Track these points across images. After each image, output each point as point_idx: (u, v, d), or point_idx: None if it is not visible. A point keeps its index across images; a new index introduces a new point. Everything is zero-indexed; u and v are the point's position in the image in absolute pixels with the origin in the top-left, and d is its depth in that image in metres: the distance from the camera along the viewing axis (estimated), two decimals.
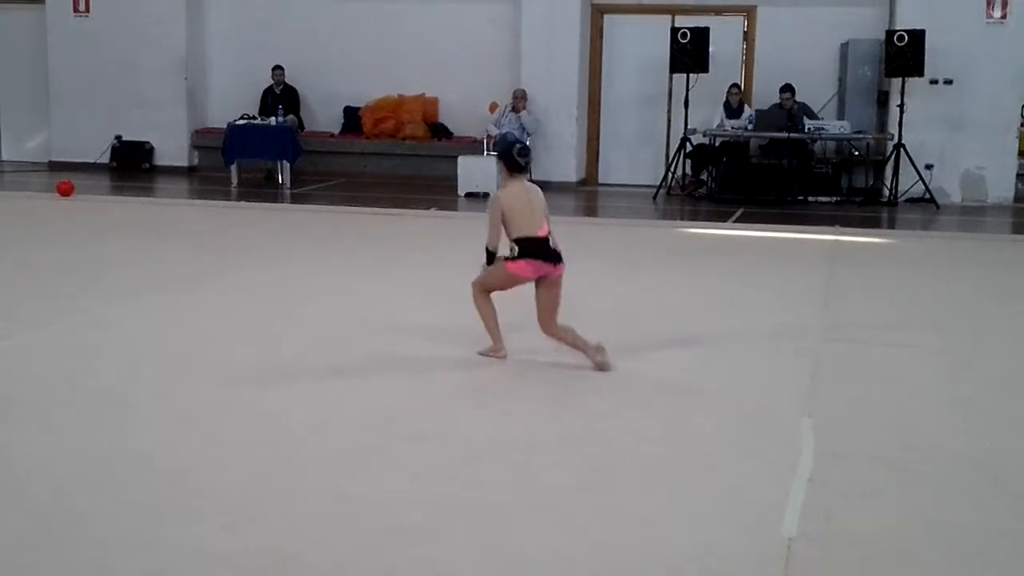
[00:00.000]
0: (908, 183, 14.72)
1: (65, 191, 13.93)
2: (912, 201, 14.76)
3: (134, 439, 5.07)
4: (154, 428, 5.25)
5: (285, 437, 5.15)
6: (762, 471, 4.80)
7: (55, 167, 17.32)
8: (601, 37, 16.62)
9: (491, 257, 6.50)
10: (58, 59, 17.51)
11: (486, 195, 14.59)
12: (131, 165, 17.36)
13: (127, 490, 4.44)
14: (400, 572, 3.78)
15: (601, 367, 6.35)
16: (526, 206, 6.45)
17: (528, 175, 6.86)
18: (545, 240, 6.46)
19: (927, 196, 14.60)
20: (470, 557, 3.89)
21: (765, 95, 15.72)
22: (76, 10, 17.41)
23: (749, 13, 16.18)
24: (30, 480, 4.55)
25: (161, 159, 17.49)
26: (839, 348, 7.08)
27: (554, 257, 6.45)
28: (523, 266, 6.42)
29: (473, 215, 13.20)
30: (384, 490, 4.49)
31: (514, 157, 6.50)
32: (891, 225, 13.56)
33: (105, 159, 17.48)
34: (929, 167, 14.84)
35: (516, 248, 6.41)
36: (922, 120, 14.76)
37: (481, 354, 6.61)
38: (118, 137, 17.47)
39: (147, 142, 17.47)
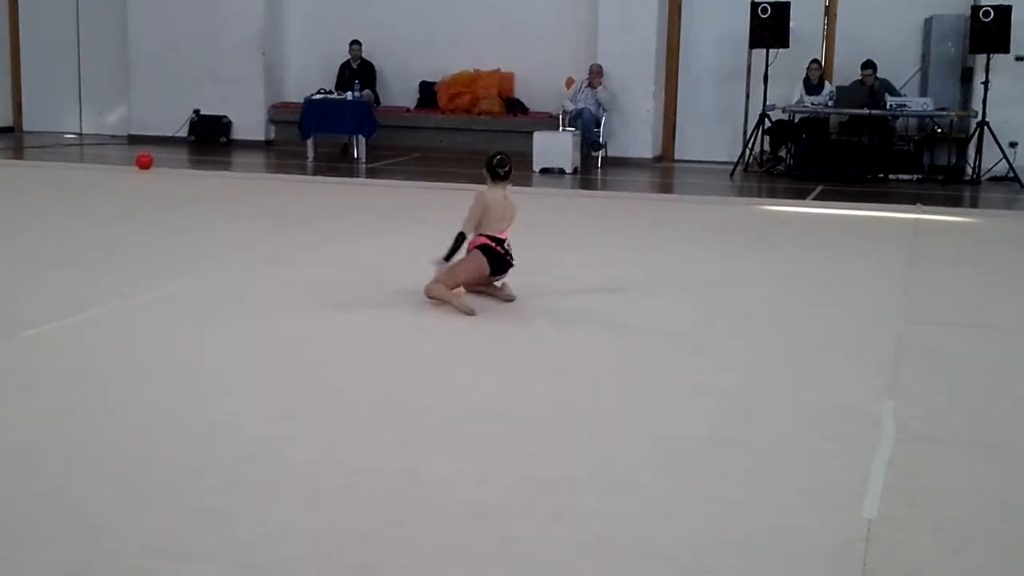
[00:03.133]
0: (992, 161, 14.43)
1: (144, 164, 14.07)
2: (995, 180, 14.50)
3: (212, 411, 5.10)
4: (231, 400, 5.27)
5: (358, 413, 5.15)
6: (842, 454, 4.73)
7: (134, 140, 17.51)
8: (679, 12, 16.46)
9: (458, 244, 7.10)
10: (138, 34, 17.68)
11: (561, 171, 14.60)
12: (209, 139, 17.50)
13: (203, 462, 4.46)
14: (478, 551, 3.76)
15: (468, 310, 6.89)
16: (499, 211, 7.23)
17: (508, 183, 7.40)
18: (501, 241, 7.23)
19: (1011, 175, 14.33)
20: (548, 538, 3.86)
21: (846, 71, 15.48)
22: None
23: None
24: (111, 449, 4.59)
25: (238, 133, 17.62)
26: (921, 329, 6.95)
27: (502, 266, 7.25)
28: (481, 246, 7.17)
29: (548, 191, 13.20)
30: (458, 469, 4.47)
31: (494, 168, 7.26)
32: (974, 204, 13.32)
33: (183, 133, 17.64)
34: (1013, 145, 14.56)
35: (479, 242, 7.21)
36: (1007, 97, 14.47)
37: (466, 312, 6.90)
38: (196, 111, 17.62)
39: (225, 116, 17.60)
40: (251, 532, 3.84)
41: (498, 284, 7.32)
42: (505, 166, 7.32)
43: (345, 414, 5.13)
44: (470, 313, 6.87)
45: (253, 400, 5.30)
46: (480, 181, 7.52)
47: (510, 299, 7.24)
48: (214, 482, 4.26)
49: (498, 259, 7.25)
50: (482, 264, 7.21)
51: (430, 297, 7.12)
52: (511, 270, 7.36)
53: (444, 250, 7.14)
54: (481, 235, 7.24)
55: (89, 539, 3.78)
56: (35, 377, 5.55)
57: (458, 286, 7.18)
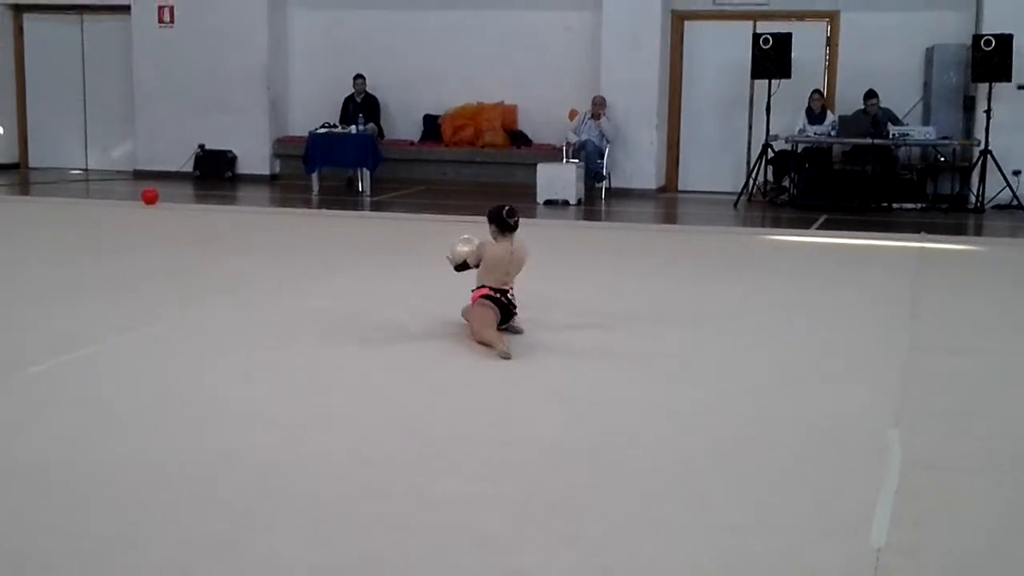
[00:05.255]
0: (995, 189, 14.45)
1: (150, 199, 14.11)
2: (999, 208, 14.51)
3: (217, 440, 5.10)
4: (236, 429, 5.27)
5: (363, 440, 5.15)
6: (849, 482, 4.72)
7: (140, 175, 17.58)
8: (682, 43, 16.53)
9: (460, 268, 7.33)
10: (143, 69, 17.78)
11: (565, 203, 14.63)
12: (214, 174, 17.56)
13: (209, 491, 4.46)
14: None
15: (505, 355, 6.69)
16: (503, 267, 7.13)
17: (514, 231, 7.28)
18: (505, 291, 7.15)
19: (1015, 203, 14.35)
20: (555, 565, 3.85)
21: (848, 101, 15.53)
22: (161, 20, 17.65)
23: (832, 18, 16.01)
24: (117, 480, 4.59)
25: (243, 168, 17.68)
26: (927, 357, 6.95)
27: (506, 315, 7.13)
28: (484, 296, 7.10)
29: (552, 223, 13.23)
30: (465, 495, 4.47)
31: (504, 219, 7.14)
32: (978, 232, 13.33)
33: (188, 168, 17.70)
34: (1017, 173, 14.58)
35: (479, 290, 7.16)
36: (1009, 126, 14.49)
37: (504, 357, 6.66)
38: (201, 146, 17.69)
39: (229, 151, 17.67)
40: (258, 560, 3.83)
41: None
42: (515, 216, 7.19)
43: (351, 442, 5.13)
44: (506, 357, 6.62)
45: (258, 428, 5.29)
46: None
47: (518, 332, 7.18)
48: (220, 510, 4.26)
49: (501, 307, 7.13)
50: (489, 310, 7.05)
51: (478, 341, 6.92)
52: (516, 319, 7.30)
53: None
54: (484, 286, 7.17)
55: (95, 569, 3.77)
56: (42, 408, 5.56)
57: (487, 327, 6.98)
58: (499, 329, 7.05)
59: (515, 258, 7.19)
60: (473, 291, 7.21)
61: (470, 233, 7.55)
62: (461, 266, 7.37)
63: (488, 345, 6.81)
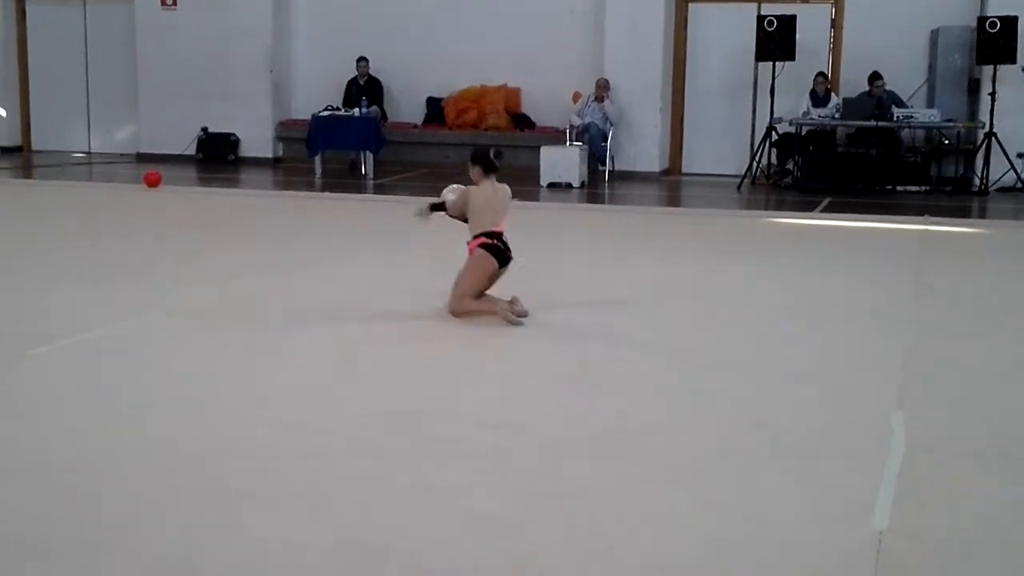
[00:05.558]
0: (999, 172, 14.45)
1: (153, 182, 14.11)
2: (1003, 191, 14.50)
3: (221, 426, 5.10)
4: (240, 415, 5.27)
5: (367, 426, 5.15)
6: (852, 466, 4.71)
7: (143, 159, 17.57)
8: (685, 26, 16.50)
9: (436, 209, 7.45)
10: (146, 52, 17.76)
11: (569, 185, 14.61)
12: (217, 157, 17.56)
13: (213, 477, 4.46)
14: (487, 564, 3.75)
15: (516, 320, 6.98)
16: (491, 206, 7.25)
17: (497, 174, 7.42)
18: (499, 234, 7.22)
19: (1019, 185, 14.34)
20: (558, 550, 3.85)
21: (852, 83, 15.51)
22: (164, 3, 17.64)
23: (836, 1, 15.96)
24: (119, 467, 4.59)
25: (246, 151, 17.68)
26: (930, 340, 6.94)
27: (503, 259, 7.21)
28: (481, 245, 7.17)
29: (556, 206, 13.22)
30: (468, 481, 4.46)
31: (491, 160, 7.28)
32: (982, 215, 13.32)
33: (191, 151, 17.69)
34: (1021, 155, 14.57)
35: (476, 240, 7.21)
36: (1014, 108, 14.47)
37: (513, 322, 6.98)
38: (204, 129, 17.68)
39: (232, 134, 17.66)
40: (262, 547, 3.83)
41: (509, 299, 7.23)
42: (501, 157, 7.37)
43: (354, 427, 5.12)
44: (518, 323, 6.97)
45: (261, 414, 5.29)
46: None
47: (523, 314, 7.17)
48: (224, 497, 4.26)
49: (498, 253, 7.21)
50: (487, 262, 7.18)
51: (459, 314, 7.10)
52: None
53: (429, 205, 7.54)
54: (477, 236, 7.23)
55: (98, 555, 3.77)
56: (44, 393, 5.56)
57: (475, 293, 7.17)
58: (498, 272, 7.21)
59: (500, 195, 7.33)
60: (469, 243, 7.27)
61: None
62: (437, 206, 7.49)
63: (471, 314, 7.05)
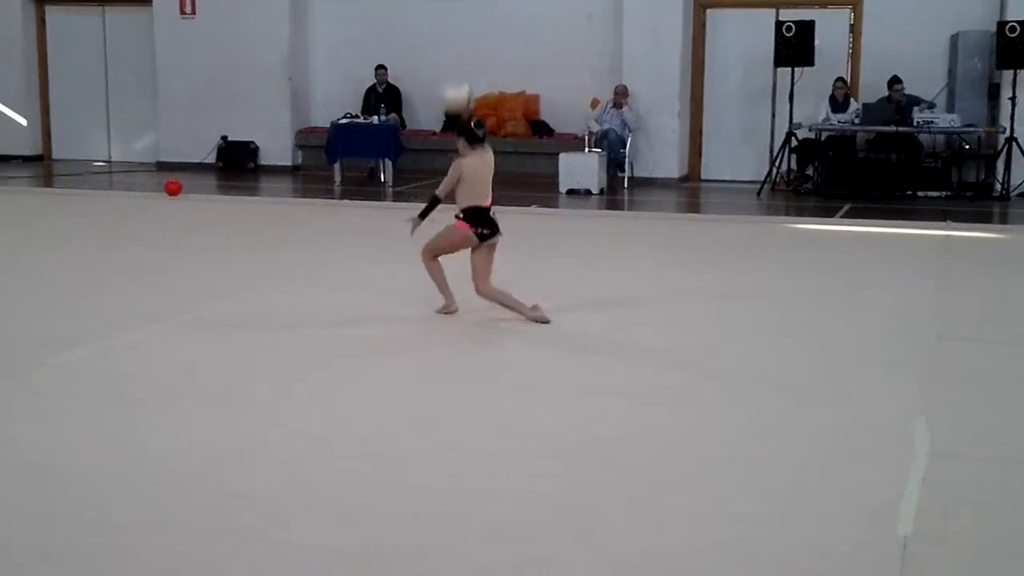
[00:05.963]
0: (1020, 177, 14.35)
1: (173, 191, 14.15)
2: None
3: (242, 433, 5.11)
4: (261, 422, 5.28)
5: (386, 434, 5.15)
6: (875, 471, 4.70)
7: (163, 167, 17.61)
8: (704, 31, 16.47)
9: (431, 206, 7.40)
10: (165, 61, 17.80)
11: (587, 192, 14.59)
12: (236, 165, 17.58)
13: (235, 483, 4.47)
14: (504, 570, 3.74)
15: (539, 320, 7.20)
16: (480, 177, 7.38)
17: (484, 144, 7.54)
18: (488, 209, 7.36)
19: None
20: (574, 556, 3.84)
21: (871, 89, 15.44)
22: (183, 12, 17.67)
23: (855, 5, 15.92)
24: (145, 472, 4.60)
25: (266, 159, 17.69)
26: (952, 345, 6.91)
27: (493, 226, 7.35)
28: (469, 227, 7.30)
29: (575, 212, 13.21)
30: (484, 488, 4.46)
31: (473, 130, 7.42)
32: (1003, 220, 13.25)
33: (211, 159, 17.72)
34: None
35: (462, 214, 7.33)
36: None
37: (438, 312, 7.42)
38: (224, 137, 17.71)
39: (252, 142, 17.69)
40: (283, 553, 3.83)
41: (531, 305, 7.27)
42: (483, 126, 7.53)
43: (374, 435, 5.13)
44: (545, 321, 7.20)
45: (283, 421, 5.30)
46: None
47: (545, 322, 7.22)
48: (246, 503, 4.26)
49: (489, 222, 7.34)
50: (459, 236, 7.34)
51: (428, 262, 7.44)
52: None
53: (420, 210, 7.49)
54: (467, 209, 7.33)
55: (120, 561, 3.78)
56: (66, 400, 5.57)
57: (441, 253, 7.43)
58: (487, 245, 7.34)
59: (486, 160, 7.45)
60: (457, 218, 7.38)
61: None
62: (427, 210, 7.47)
63: (434, 280, 7.45)
